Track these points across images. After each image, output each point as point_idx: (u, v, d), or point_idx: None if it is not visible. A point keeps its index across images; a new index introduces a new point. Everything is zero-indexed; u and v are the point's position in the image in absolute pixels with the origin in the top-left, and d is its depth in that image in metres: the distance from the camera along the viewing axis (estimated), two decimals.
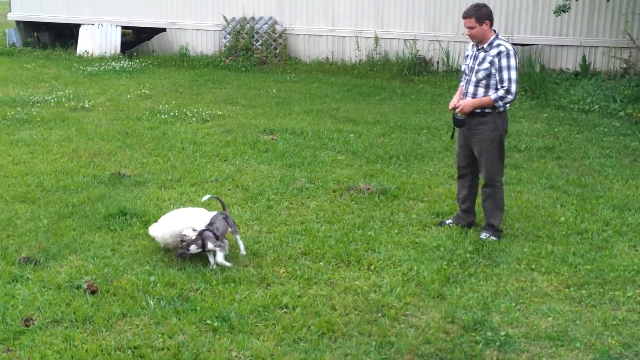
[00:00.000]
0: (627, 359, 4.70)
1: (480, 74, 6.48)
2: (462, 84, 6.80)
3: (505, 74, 6.37)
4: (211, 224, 6.02)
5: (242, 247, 6.21)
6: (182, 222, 6.11)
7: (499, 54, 6.40)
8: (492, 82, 6.44)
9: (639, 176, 8.61)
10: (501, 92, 6.38)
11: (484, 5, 6.57)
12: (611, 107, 12.24)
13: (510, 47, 6.44)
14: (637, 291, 5.62)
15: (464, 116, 6.62)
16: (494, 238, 6.62)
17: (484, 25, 6.44)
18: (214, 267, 5.89)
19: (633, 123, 11.33)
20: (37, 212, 7.12)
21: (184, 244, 5.89)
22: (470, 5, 6.61)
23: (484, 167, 6.67)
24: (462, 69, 6.83)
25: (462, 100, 6.64)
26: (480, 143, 6.60)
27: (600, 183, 8.37)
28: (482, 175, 6.75)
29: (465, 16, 6.51)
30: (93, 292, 5.44)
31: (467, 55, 6.74)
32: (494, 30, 6.53)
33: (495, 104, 6.42)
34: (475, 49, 6.62)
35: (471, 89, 6.59)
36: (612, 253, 6.36)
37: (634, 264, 6.08)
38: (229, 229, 6.17)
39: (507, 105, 6.51)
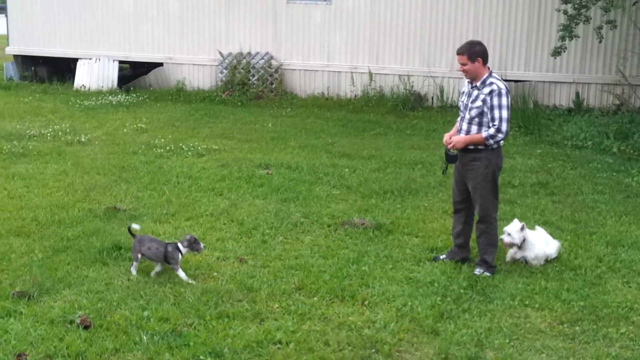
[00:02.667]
0: None
1: (473, 112, 6.55)
2: (458, 120, 6.88)
3: (496, 113, 6.44)
4: None
5: None
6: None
7: (491, 92, 6.47)
8: (485, 120, 6.50)
9: (632, 212, 8.66)
10: (492, 131, 6.44)
11: (478, 43, 6.65)
12: (604, 143, 12.32)
13: (502, 85, 6.51)
14: (630, 328, 5.63)
15: (455, 152, 6.70)
16: (487, 274, 6.64)
17: (477, 62, 6.51)
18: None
19: (626, 159, 11.41)
20: (31, 246, 7.12)
21: None
22: (464, 42, 6.71)
23: (478, 203, 6.71)
24: (459, 105, 6.91)
25: (455, 136, 6.71)
26: (474, 179, 6.65)
27: (593, 219, 8.41)
28: (477, 211, 6.79)
29: (459, 53, 6.60)
30: (86, 327, 5.42)
31: (463, 92, 6.81)
32: (488, 68, 6.61)
33: (487, 142, 6.48)
34: (469, 86, 6.70)
35: (465, 125, 6.66)
36: (606, 289, 6.38)
37: (627, 301, 6.10)
38: None
39: (500, 142, 6.57)
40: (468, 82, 6.73)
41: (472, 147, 6.60)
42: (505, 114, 6.44)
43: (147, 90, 17.85)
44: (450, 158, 6.81)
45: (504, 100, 6.45)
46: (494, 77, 6.57)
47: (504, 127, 6.44)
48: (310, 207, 8.63)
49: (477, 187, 6.66)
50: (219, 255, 6.99)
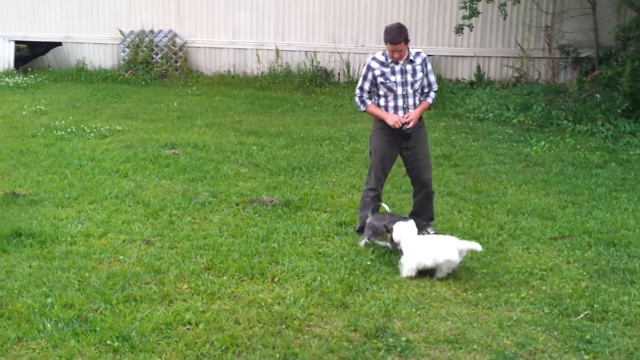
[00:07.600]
0: (522, 359, 4.89)
1: (417, 85, 6.82)
2: (391, 99, 6.84)
3: (432, 77, 7.04)
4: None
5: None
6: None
7: (424, 60, 6.94)
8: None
9: (531, 181, 8.98)
10: (433, 94, 7.09)
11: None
12: (505, 115, 12.70)
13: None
14: (530, 292, 5.85)
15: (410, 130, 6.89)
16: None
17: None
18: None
19: (525, 130, 11.80)
20: None
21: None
22: (393, 29, 6.55)
23: (429, 168, 7.38)
24: (389, 86, 6.79)
25: (410, 113, 6.82)
26: (424, 144, 7.23)
27: (495, 189, 8.67)
28: (428, 177, 7.21)
29: (397, 42, 6.55)
30: None
31: (383, 74, 6.74)
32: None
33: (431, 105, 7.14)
34: (394, 65, 6.72)
35: (411, 100, 6.84)
36: (507, 256, 6.60)
37: (527, 266, 6.33)
38: None
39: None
40: (382, 62, 6.75)
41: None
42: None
43: (46, 70, 17.25)
44: (408, 136, 6.89)
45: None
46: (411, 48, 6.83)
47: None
48: (219, 186, 8.56)
49: (427, 152, 7.14)
50: (125, 238, 6.84)
